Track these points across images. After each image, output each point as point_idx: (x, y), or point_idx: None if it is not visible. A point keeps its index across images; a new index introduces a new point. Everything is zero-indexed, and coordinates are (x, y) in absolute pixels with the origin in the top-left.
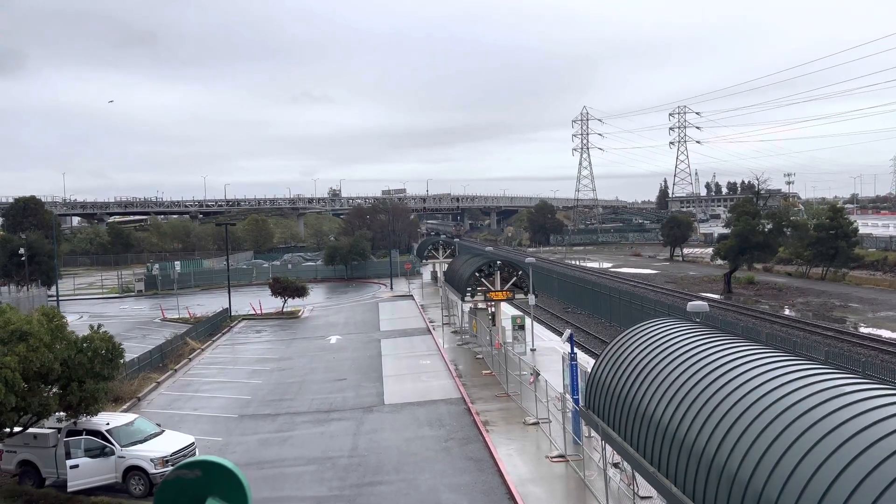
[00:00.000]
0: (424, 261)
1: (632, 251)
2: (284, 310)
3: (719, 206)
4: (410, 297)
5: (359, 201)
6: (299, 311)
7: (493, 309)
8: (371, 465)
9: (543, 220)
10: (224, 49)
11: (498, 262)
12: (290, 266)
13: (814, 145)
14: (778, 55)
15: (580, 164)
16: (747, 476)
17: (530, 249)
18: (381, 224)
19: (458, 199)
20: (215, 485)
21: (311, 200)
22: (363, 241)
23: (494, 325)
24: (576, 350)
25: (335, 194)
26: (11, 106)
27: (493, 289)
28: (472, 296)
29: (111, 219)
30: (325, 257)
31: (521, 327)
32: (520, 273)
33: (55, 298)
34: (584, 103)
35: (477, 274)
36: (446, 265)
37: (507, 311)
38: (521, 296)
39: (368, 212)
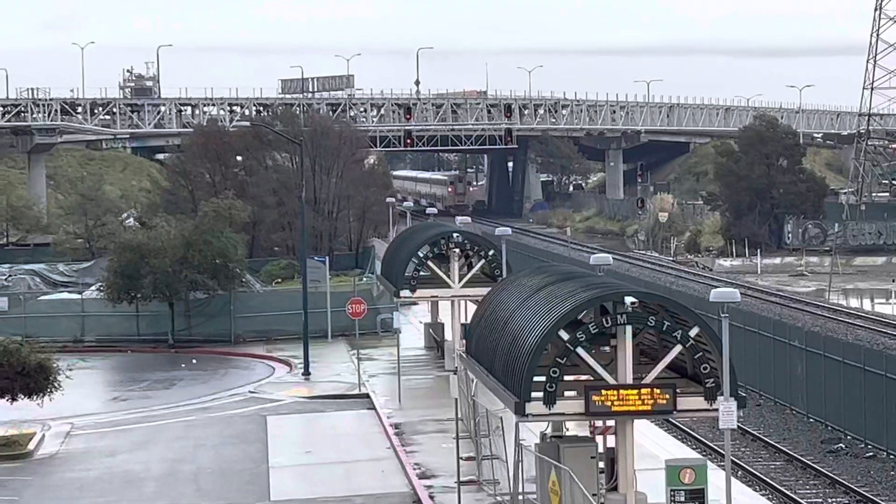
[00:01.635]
0: (405, 291)
1: None
2: None
3: None
4: (363, 398)
5: (212, 111)
6: (30, 436)
7: (609, 439)
8: None
9: (765, 176)
10: None
11: (631, 304)
12: (2, 301)
13: None
14: None
15: (876, 31)
16: None
17: (726, 262)
18: (279, 178)
19: (508, 110)
20: None
21: (69, 110)
22: (221, 226)
23: (616, 487)
24: None
25: (141, 90)
26: None
27: (611, 381)
28: (551, 402)
29: None
30: (111, 278)
31: (697, 498)
32: (693, 336)
33: None
34: None
35: (563, 336)
36: (472, 305)
37: (650, 443)
38: (698, 400)
39: (239, 140)
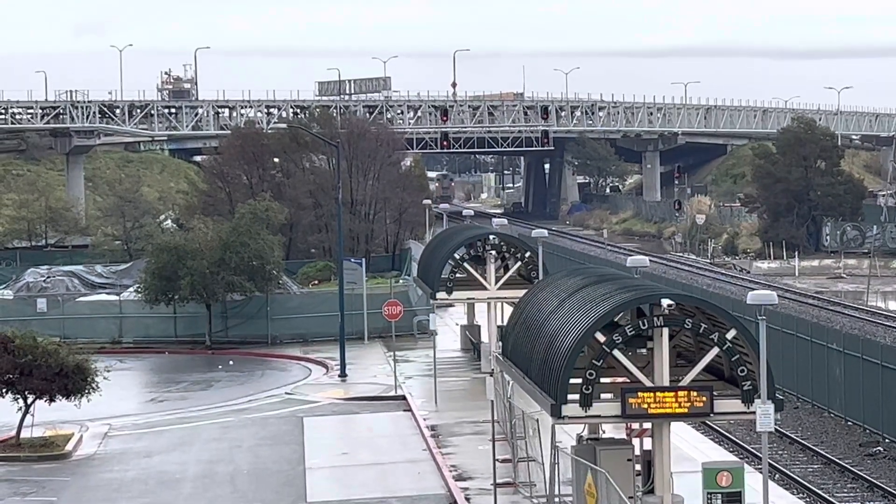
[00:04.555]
0: (442, 293)
1: None
2: (26, 437)
3: None
4: (399, 400)
5: (249, 113)
6: (68, 437)
7: (646, 440)
8: None
9: (803, 178)
10: None
11: (668, 306)
12: (41, 303)
13: None
14: None
15: None
16: None
17: (764, 264)
18: (316, 180)
19: (545, 112)
20: None
21: (107, 112)
22: (258, 228)
23: (652, 490)
24: None
25: (179, 92)
26: None
27: (648, 384)
28: (587, 405)
29: None
30: (149, 279)
31: (734, 501)
32: (730, 339)
33: None
34: None
35: (600, 338)
36: (508, 307)
37: (687, 445)
38: (735, 403)
39: (276, 142)
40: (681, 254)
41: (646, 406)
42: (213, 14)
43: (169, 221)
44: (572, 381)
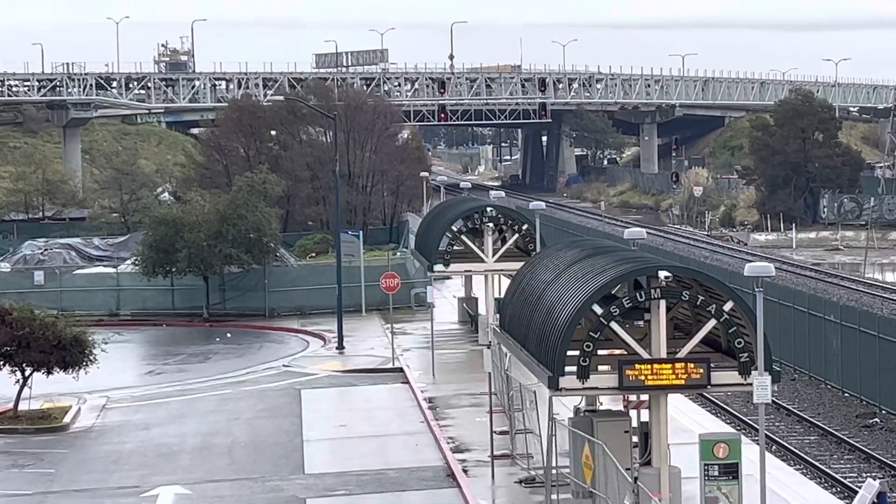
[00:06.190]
0: (439, 265)
1: None
2: (24, 409)
3: None
4: (396, 372)
5: (245, 79)
6: (65, 410)
7: (644, 412)
8: None
9: (800, 150)
10: None
11: (665, 278)
12: (38, 275)
13: None
14: None
15: None
16: None
17: (761, 236)
18: (313, 152)
19: (542, 84)
20: None
21: (104, 85)
22: (255, 200)
23: (650, 461)
24: None
25: (176, 65)
26: None
27: (645, 356)
28: (585, 377)
29: None
30: (146, 252)
31: (731, 472)
32: (727, 311)
33: None
34: None
35: (597, 310)
36: (505, 279)
37: (684, 417)
38: (732, 374)
39: (273, 114)
40: (678, 226)
41: (643, 378)
42: None
43: (166, 194)
44: (569, 353)
